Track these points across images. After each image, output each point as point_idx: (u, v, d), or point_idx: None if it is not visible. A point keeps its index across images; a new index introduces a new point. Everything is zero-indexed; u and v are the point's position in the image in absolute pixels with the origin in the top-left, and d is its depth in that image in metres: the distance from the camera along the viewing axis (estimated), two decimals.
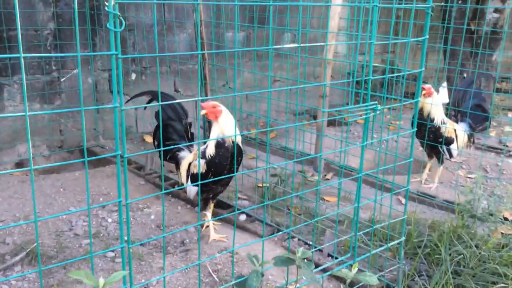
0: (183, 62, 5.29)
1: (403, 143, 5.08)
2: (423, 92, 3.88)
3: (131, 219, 3.46)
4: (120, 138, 1.55)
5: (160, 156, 3.49)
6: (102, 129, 4.95)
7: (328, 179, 4.33)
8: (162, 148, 2.29)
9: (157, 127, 3.53)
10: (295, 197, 3.75)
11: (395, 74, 2.51)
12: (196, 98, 3.96)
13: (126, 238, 1.63)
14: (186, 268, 2.78)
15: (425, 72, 4.03)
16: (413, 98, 2.43)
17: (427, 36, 2.31)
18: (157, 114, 3.54)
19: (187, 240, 3.19)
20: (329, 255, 2.97)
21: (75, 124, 4.81)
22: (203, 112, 2.83)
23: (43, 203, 3.61)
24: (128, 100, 3.89)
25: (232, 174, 2.92)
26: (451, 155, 4.04)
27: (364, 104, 2.18)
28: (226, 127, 2.87)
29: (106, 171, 4.25)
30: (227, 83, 5.76)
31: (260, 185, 3.94)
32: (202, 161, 2.92)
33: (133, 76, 5.06)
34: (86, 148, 4.76)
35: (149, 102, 3.53)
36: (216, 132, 2.88)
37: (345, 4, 3.73)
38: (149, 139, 5.02)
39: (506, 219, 3.35)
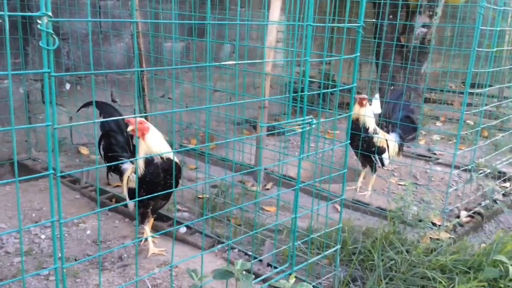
0: (120, 72, 5.19)
1: (339, 151, 5.25)
2: (363, 101, 4.04)
3: (66, 235, 3.35)
4: (53, 156, 1.52)
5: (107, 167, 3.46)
6: (34, 141, 4.76)
7: (268, 189, 4.40)
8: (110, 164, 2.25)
9: (101, 137, 3.47)
10: (235, 207, 3.78)
11: (329, 90, 2.61)
12: (135, 115, 3.90)
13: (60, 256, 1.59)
14: (124, 285, 2.72)
15: (359, 83, 4.21)
16: (348, 109, 2.54)
17: (358, 54, 2.43)
18: (101, 124, 3.49)
19: (125, 255, 3.13)
20: (269, 265, 3.02)
21: (5, 137, 4.59)
22: (129, 128, 2.79)
23: None
24: (78, 110, 3.76)
25: (170, 190, 2.90)
26: (383, 164, 4.23)
27: (300, 119, 2.25)
28: (153, 144, 2.83)
29: (39, 185, 4.08)
30: (166, 94, 5.71)
31: (201, 196, 3.94)
32: (134, 177, 2.88)
33: (68, 86, 4.91)
34: (17, 161, 4.56)
35: (81, 108, 3.46)
36: (143, 150, 2.84)
37: (280, 22, 3.82)
38: (84, 150, 4.88)
39: (434, 224, 3.54)
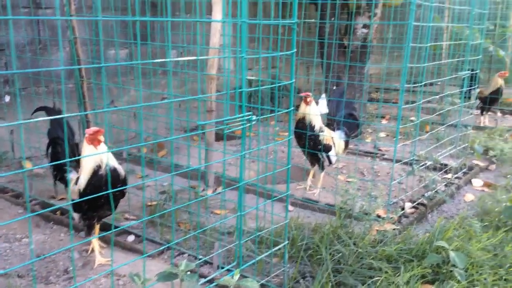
0: (61, 82, 5.06)
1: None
2: (307, 98, 4.10)
3: (8, 250, 3.22)
4: None
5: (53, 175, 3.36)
6: None
7: (219, 192, 4.38)
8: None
9: (49, 144, 3.36)
10: (185, 213, 3.75)
11: (267, 86, 2.63)
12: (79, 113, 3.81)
13: None
14: None
15: (307, 85, 4.30)
16: (297, 110, 2.57)
17: (295, 50, 2.47)
18: (49, 131, 3.40)
19: (71, 268, 3.04)
20: (219, 267, 3.00)
21: None
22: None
23: None
24: (33, 113, 3.62)
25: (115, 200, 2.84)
26: (330, 162, 4.30)
27: (240, 115, 2.26)
28: (106, 154, 2.78)
29: None
30: (113, 102, 5.61)
31: (149, 203, 3.88)
32: (76, 188, 2.81)
33: (7, 98, 4.73)
34: None
35: (34, 112, 3.36)
36: (92, 159, 2.77)
37: (213, 20, 3.84)
38: (27, 164, 4.71)
39: (380, 217, 3.64)
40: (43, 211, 3.60)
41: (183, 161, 4.80)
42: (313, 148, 4.18)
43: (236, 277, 2.02)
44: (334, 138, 4.33)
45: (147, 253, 3.14)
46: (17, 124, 1.51)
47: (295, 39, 2.46)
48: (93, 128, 2.77)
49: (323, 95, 5.88)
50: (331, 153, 4.27)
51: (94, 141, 2.72)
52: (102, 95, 5.04)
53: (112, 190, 2.67)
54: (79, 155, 3.32)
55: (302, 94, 4.15)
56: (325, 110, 5.77)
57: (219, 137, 5.81)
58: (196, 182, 4.47)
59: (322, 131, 4.19)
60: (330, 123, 4.50)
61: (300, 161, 4.91)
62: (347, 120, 4.38)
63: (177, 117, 5.28)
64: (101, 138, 2.70)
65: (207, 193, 4.10)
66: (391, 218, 3.59)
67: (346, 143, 4.52)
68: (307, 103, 4.15)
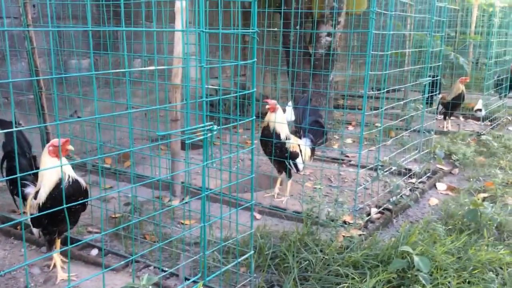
0: (21, 93, 4.92)
1: (257, 161, 5.30)
2: (268, 106, 4.10)
3: None
4: None
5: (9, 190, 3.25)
6: None
7: (186, 202, 4.32)
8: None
9: (3, 158, 3.25)
10: (151, 224, 3.68)
11: (228, 96, 2.61)
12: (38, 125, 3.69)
13: None
14: None
15: (274, 93, 4.31)
16: (263, 118, 2.56)
17: (255, 59, 2.47)
18: (3, 144, 3.29)
19: (32, 285, 2.93)
20: (186, 279, 2.95)
21: None
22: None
23: None
24: None
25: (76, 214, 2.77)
26: (297, 169, 4.31)
27: (201, 125, 2.24)
28: (68, 166, 2.71)
29: None
30: (76, 113, 5.49)
31: (114, 216, 3.80)
32: (35, 203, 2.72)
33: None
34: None
35: None
36: (54, 172, 2.68)
37: (172, 30, 3.82)
38: None
39: (346, 223, 3.66)
40: (3, 225, 3.48)
41: (149, 172, 4.73)
42: (280, 156, 4.18)
43: None
44: (301, 146, 4.35)
45: (110, 266, 3.06)
46: None
47: (255, 48, 2.46)
48: (59, 139, 2.69)
49: (289, 103, 5.92)
50: (298, 161, 4.28)
51: (60, 152, 2.64)
52: (64, 105, 4.93)
53: (73, 204, 2.60)
54: (36, 168, 3.23)
55: (267, 101, 4.15)
56: (292, 117, 5.81)
57: (184, 147, 5.76)
58: (163, 193, 4.40)
59: (288, 139, 4.20)
60: (297, 130, 4.52)
61: (268, 169, 4.91)
62: (312, 128, 4.41)
63: (142, 126, 5.20)
64: (70, 147, 2.62)
65: (173, 203, 4.04)
66: (357, 224, 3.62)
67: (313, 150, 4.54)
68: (272, 111, 4.15)
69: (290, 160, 4.21)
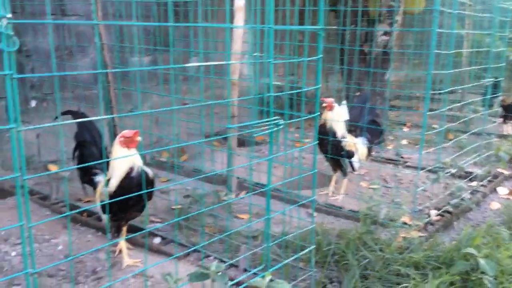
0: (87, 87, 5.14)
1: (310, 159, 5.29)
2: (325, 104, 4.11)
3: (37, 251, 3.27)
4: (19, 161, 1.50)
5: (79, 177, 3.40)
6: (1, 160, 4.64)
7: (242, 197, 4.39)
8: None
9: (76, 147, 3.41)
10: (209, 217, 3.77)
11: (294, 91, 2.65)
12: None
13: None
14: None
15: (326, 92, 4.31)
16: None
17: (321, 56, 2.49)
18: (76, 134, 3.45)
19: (99, 268, 3.07)
20: (245, 270, 3.01)
21: None
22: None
23: None
24: (56, 118, 3.68)
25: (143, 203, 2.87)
26: (353, 168, 4.29)
27: (267, 119, 2.28)
28: (136, 156, 2.83)
29: (8, 204, 3.99)
30: (135, 108, 5.68)
31: (174, 207, 3.91)
32: (106, 190, 2.85)
33: (33, 103, 4.83)
34: None
35: (62, 115, 3.42)
36: (125, 162, 2.81)
37: (243, 26, 3.88)
38: (53, 167, 4.79)
39: (405, 224, 3.61)
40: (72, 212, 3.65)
41: (206, 166, 4.83)
42: (336, 154, 4.17)
43: (267, 278, 2.03)
44: (357, 144, 4.32)
45: (174, 254, 3.16)
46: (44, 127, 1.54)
47: (321, 45, 2.48)
48: (129, 130, 2.81)
49: (344, 102, 5.89)
50: (354, 159, 4.26)
51: (130, 143, 2.77)
52: (126, 100, 5.11)
53: (145, 191, 2.71)
54: (106, 157, 3.37)
55: (324, 100, 4.15)
56: (346, 116, 5.77)
57: (239, 143, 5.84)
58: (218, 187, 4.49)
59: (344, 137, 4.19)
60: (353, 129, 4.49)
61: (322, 168, 4.90)
62: (370, 127, 4.37)
63: (199, 122, 5.31)
64: (138, 138, 2.74)
65: (230, 197, 4.11)
66: (417, 225, 3.56)
67: (369, 150, 4.50)
68: (329, 109, 4.15)
69: (346, 159, 4.20)
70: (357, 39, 5.34)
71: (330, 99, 4.18)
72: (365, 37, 6.03)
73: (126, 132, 2.79)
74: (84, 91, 5.08)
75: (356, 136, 4.46)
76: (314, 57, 2.51)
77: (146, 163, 4.93)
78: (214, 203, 3.99)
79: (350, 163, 4.25)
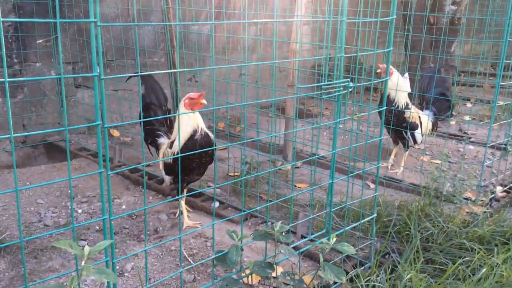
0: (150, 54, 5.23)
1: (370, 132, 5.18)
2: (379, 71, 3.92)
3: (99, 211, 3.41)
4: (100, 108, 1.54)
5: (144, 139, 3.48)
6: (67, 124, 4.84)
7: (298, 167, 4.38)
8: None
9: (142, 109, 3.51)
10: (266, 184, 3.79)
11: (365, 53, 2.57)
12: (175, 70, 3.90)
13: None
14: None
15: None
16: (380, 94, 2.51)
17: (391, 48, 2.40)
18: (143, 96, 3.52)
19: (160, 228, 3.17)
20: (303, 237, 3.01)
21: (38, 119, 4.68)
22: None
23: (9, 196, 3.51)
24: (127, 79, 3.78)
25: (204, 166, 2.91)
26: (415, 141, 4.16)
27: (337, 81, 2.23)
28: (199, 118, 2.86)
29: (73, 165, 4.17)
30: (194, 77, 5.74)
31: (231, 174, 3.96)
32: (170, 152, 2.90)
33: (97, 69, 4.96)
34: (50, 143, 4.66)
35: (130, 78, 3.50)
36: (190, 124, 2.84)
37: (313, 19, 3.79)
38: (115, 133, 4.95)
39: (469, 198, 3.48)
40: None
41: (261, 136, 4.84)
42: (397, 125, 4.06)
43: (333, 240, 2.02)
44: (422, 117, 4.17)
45: (234, 220, 3.20)
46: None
47: (392, 36, 2.38)
48: (195, 93, 2.85)
49: (406, 74, 5.69)
50: (417, 132, 4.12)
51: (195, 105, 2.80)
52: (187, 67, 5.17)
53: (209, 149, 2.73)
54: (170, 120, 3.44)
55: (379, 66, 3.95)
56: (408, 89, 5.58)
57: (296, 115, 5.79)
58: (275, 156, 4.49)
59: (408, 108, 4.05)
60: (419, 101, 4.34)
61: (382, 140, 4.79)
62: (439, 97, 4.18)
63: (255, 93, 5.30)
64: (204, 101, 2.77)
65: (287, 167, 4.11)
66: (482, 200, 3.43)
67: (435, 123, 4.32)
68: (384, 76, 3.98)
69: (409, 131, 4.07)
70: (425, 9, 5.11)
71: (385, 65, 4.00)
72: (432, 6, 5.77)
73: (192, 94, 2.82)
74: (147, 58, 5.18)
75: (422, 108, 4.31)
76: (385, 50, 2.43)
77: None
78: (272, 172, 4.00)
79: (412, 135, 4.12)
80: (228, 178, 3.96)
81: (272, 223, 3.20)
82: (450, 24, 5.50)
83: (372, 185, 3.95)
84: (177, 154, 2.83)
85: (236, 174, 3.92)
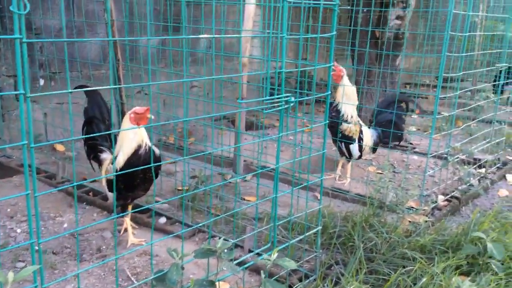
0: (95, 67, 5.12)
1: (318, 144, 5.26)
2: (333, 72, 3.98)
3: (43, 228, 3.28)
4: (27, 126, 1.48)
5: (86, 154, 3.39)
6: (8, 138, 4.65)
7: (246, 180, 4.38)
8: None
9: (85, 123, 3.41)
10: (215, 198, 3.76)
11: (307, 68, 2.60)
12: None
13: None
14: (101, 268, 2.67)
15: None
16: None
17: (335, 32, 2.44)
18: (86, 110, 3.43)
19: (104, 247, 3.08)
20: (250, 251, 3.00)
21: None
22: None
23: None
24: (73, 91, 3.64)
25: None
26: (350, 155, 4.21)
27: (278, 96, 2.25)
28: (144, 134, 2.81)
29: (14, 181, 4.01)
30: (143, 89, 5.66)
31: (180, 188, 3.91)
32: (113, 167, 2.83)
33: (42, 82, 4.82)
34: None
35: (77, 88, 3.39)
36: (134, 139, 2.79)
37: (257, 3, 3.83)
38: (60, 147, 4.80)
39: (412, 208, 3.58)
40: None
41: (210, 150, 4.81)
42: (336, 136, 4.14)
43: (274, 255, 2.01)
44: (364, 133, 4.23)
45: (180, 237, 3.14)
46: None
47: (335, 21, 2.43)
48: (141, 107, 2.79)
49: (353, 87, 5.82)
50: (352, 146, 4.17)
51: (140, 119, 2.75)
52: (134, 81, 5.09)
53: (148, 165, 2.68)
54: (114, 135, 3.35)
55: (335, 65, 3.98)
56: (355, 101, 5.70)
57: (247, 126, 5.81)
58: (225, 170, 4.47)
59: (349, 122, 4.12)
60: (370, 119, 4.42)
61: (330, 152, 4.87)
62: (389, 130, 4.18)
63: (205, 105, 5.28)
64: (149, 115, 2.72)
65: (237, 180, 4.09)
66: (424, 209, 3.53)
67: (377, 144, 4.33)
68: (335, 78, 4.06)
69: (343, 143, 4.14)
70: (366, 23, 5.25)
71: (341, 68, 4.08)
72: (376, 20, 5.95)
73: (138, 109, 2.76)
74: (92, 71, 5.06)
75: (369, 126, 4.38)
76: (329, 34, 2.46)
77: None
78: (221, 185, 3.98)
79: (347, 148, 4.19)
80: (176, 193, 3.90)
81: (219, 238, 3.17)
82: (395, 38, 5.68)
83: (319, 197, 3.99)
84: (120, 170, 2.77)
85: (186, 188, 3.87)
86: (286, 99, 2.26)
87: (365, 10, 5.61)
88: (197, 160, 4.64)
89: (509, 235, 3.04)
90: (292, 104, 2.29)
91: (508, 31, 4.56)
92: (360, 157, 4.29)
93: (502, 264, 2.77)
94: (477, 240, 2.88)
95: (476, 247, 2.83)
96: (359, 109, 5.48)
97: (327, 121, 2.61)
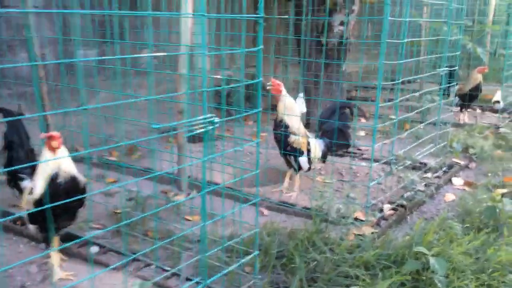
0: (28, 84, 4.82)
1: (269, 154, 5.12)
2: (269, 87, 3.83)
3: None
4: None
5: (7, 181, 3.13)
6: None
7: (192, 198, 4.19)
8: None
9: (3, 148, 3.14)
10: (155, 218, 3.55)
11: (233, 86, 2.46)
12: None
13: None
14: None
15: (286, 84, 4.14)
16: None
17: (261, 46, 2.31)
18: (4, 134, 3.18)
19: (29, 283, 2.83)
20: (187, 279, 2.82)
21: None
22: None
23: None
24: None
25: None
26: (300, 167, 4.10)
27: (200, 118, 2.09)
28: (66, 160, 2.59)
29: None
30: (82, 105, 5.37)
31: (116, 211, 3.68)
32: (31, 198, 2.60)
33: None
34: None
35: None
36: (49, 167, 2.57)
37: (174, 14, 3.66)
38: None
39: (357, 219, 3.49)
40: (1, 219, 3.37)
41: (155, 165, 4.60)
42: (285, 149, 4.02)
43: None
44: (311, 144, 4.12)
45: (110, 265, 2.94)
46: None
47: (261, 35, 2.30)
48: (48, 133, 2.57)
49: (301, 94, 5.73)
50: (301, 158, 4.06)
51: (57, 144, 2.53)
52: (72, 97, 4.82)
53: (68, 200, 2.47)
54: (34, 161, 3.11)
55: (272, 80, 3.85)
56: (303, 109, 5.61)
57: (194, 139, 5.62)
58: (169, 187, 4.27)
59: (296, 134, 4.00)
60: (318, 129, 4.31)
61: (277, 162, 4.74)
62: (337, 142, 4.12)
63: (149, 119, 5.05)
64: (54, 144, 2.50)
65: (178, 198, 3.91)
66: (370, 221, 3.45)
67: (325, 155, 4.28)
68: (274, 93, 3.89)
69: (292, 156, 4.03)
70: (311, 30, 5.19)
71: (278, 82, 3.92)
72: (322, 27, 5.90)
73: (50, 134, 2.54)
74: (21, 88, 4.76)
75: (317, 136, 4.28)
76: (254, 48, 2.32)
77: (93, 163, 4.70)
78: (161, 205, 3.78)
79: (296, 161, 4.07)
80: (113, 216, 3.68)
81: (156, 267, 2.97)
82: (339, 44, 5.64)
83: (266, 212, 3.87)
84: (37, 200, 2.54)
85: (120, 211, 3.65)
86: (209, 120, 2.10)
87: (309, 18, 5.54)
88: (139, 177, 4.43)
89: (453, 245, 2.98)
90: (217, 125, 2.14)
91: (448, 35, 4.57)
92: (309, 169, 4.17)
93: (447, 277, 2.71)
94: (420, 255, 2.80)
95: (419, 262, 2.75)
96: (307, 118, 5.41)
97: (258, 140, 2.46)
